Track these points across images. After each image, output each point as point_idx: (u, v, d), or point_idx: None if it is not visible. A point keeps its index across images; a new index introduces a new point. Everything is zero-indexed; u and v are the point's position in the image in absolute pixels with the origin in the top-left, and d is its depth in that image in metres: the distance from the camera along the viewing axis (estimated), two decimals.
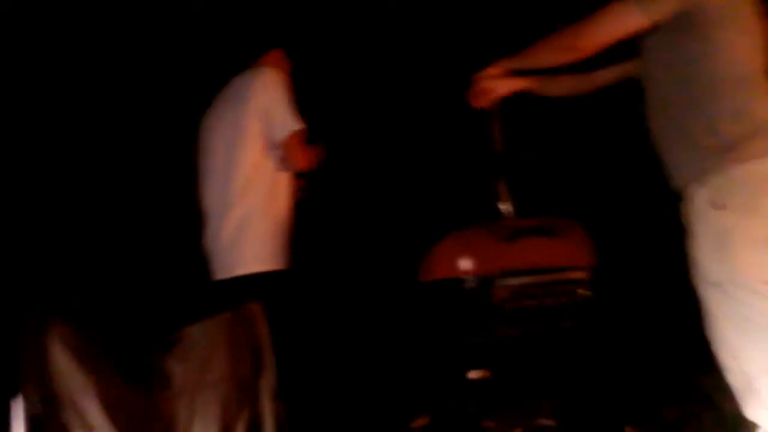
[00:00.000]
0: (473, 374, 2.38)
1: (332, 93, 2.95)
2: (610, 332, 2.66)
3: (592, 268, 2.16)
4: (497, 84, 2.14)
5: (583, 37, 1.88)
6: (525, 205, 2.22)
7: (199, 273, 2.60)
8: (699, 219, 1.79)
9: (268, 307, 2.31)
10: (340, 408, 2.82)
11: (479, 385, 2.35)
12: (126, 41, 3.13)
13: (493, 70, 2.14)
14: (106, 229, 3.08)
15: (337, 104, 3.05)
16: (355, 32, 3.16)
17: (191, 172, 2.66)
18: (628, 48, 1.94)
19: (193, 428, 2.16)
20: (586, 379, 2.44)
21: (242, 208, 2.49)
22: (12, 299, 2.02)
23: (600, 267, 2.17)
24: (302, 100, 2.56)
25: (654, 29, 1.84)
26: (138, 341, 2.22)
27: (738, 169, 1.73)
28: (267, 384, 2.26)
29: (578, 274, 2.15)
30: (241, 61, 2.62)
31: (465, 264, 2.11)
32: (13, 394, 1.95)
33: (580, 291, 2.14)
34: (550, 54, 1.98)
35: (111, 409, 2.07)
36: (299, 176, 2.66)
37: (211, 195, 2.59)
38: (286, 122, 2.48)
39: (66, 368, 2.03)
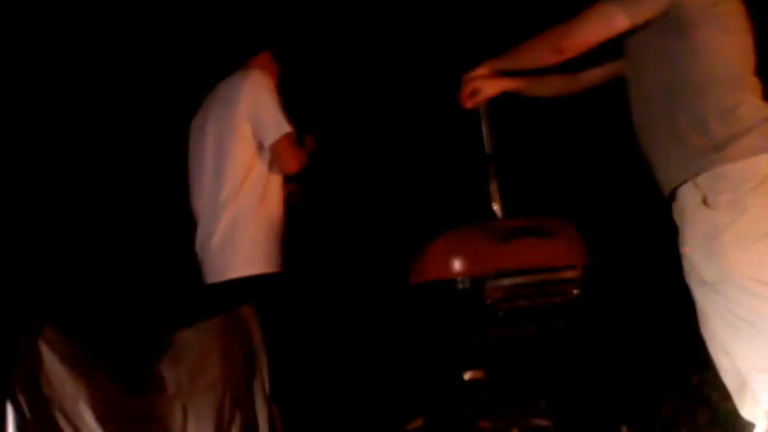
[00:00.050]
0: (467, 375, 2.38)
1: (322, 95, 2.95)
2: (603, 331, 2.66)
3: (585, 268, 2.16)
4: (485, 84, 2.14)
5: (567, 38, 1.89)
6: (516, 205, 2.22)
7: (192, 277, 2.60)
8: (688, 218, 1.80)
9: (261, 310, 2.31)
10: (334, 410, 2.81)
11: (473, 385, 2.35)
12: (116, 45, 3.13)
13: (480, 71, 2.15)
14: (98, 233, 3.07)
15: (327, 106, 3.05)
16: (343, 34, 3.15)
17: (182, 174, 2.65)
18: (616, 47, 1.95)
19: None
20: (580, 379, 2.44)
21: (233, 210, 2.49)
22: (12, 299, 2.01)
23: (592, 266, 2.17)
24: (292, 101, 2.57)
25: (638, 30, 1.85)
26: (131, 345, 2.22)
27: (727, 168, 1.73)
28: (261, 387, 2.26)
29: (571, 274, 2.14)
30: (230, 63, 2.62)
31: (457, 265, 2.10)
32: (7, 397, 1.94)
33: (573, 290, 2.14)
34: (535, 54, 1.99)
35: (104, 413, 2.06)
36: (290, 181, 2.66)
37: (202, 198, 2.58)
38: (276, 126, 2.47)
39: (59, 372, 2.03)
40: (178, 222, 2.71)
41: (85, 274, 2.86)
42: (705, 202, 1.74)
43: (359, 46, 3.22)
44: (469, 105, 2.17)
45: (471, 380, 2.36)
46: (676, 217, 1.86)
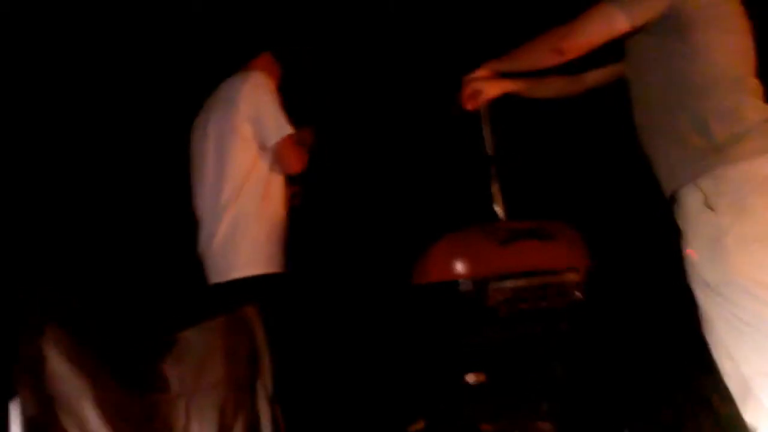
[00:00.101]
0: (469, 377, 2.38)
1: (324, 96, 2.95)
2: (606, 334, 2.66)
3: (587, 270, 2.16)
4: (486, 86, 2.15)
5: (567, 39, 1.89)
6: (518, 207, 2.22)
7: (195, 277, 2.61)
8: (691, 220, 1.79)
9: (264, 310, 2.31)
10: (337, 411, 2.82)
11: (476, 388, 2.35)
12: (117, 46, 3.14)
13: (481, 72, 2.15)
14: (100, 234, 3.08)
15: (329, 107, 3.05)
16: (344, 35, 3.16)
17: (184, 174, 2.66)
18: (617, 49, 1.95)
19: None
20: (583, 382, 2.44)
21: (235, 211, 2.49)
22: (12, 299, 2.02)
23: (594, 269, 2.17)
24: (294, 102, 2.57)
25: (639, 31, 1.85)
26: (134, 345, 2.22)
27: (729, 169, 1.73)
28: (264, 387, 2.26)
29: (573, 276, 2.14)
30: (231, 64, 2.63)
31: (460, 266, 2.10)
32: (11, 396, 1.95)
33: (576, 293, 2.14)
34: (536, 56, 1.99)
35: (108, 412, 2.06)
36: (293, 182, 2.66)
37: (204, 198, 2.59)
38: (277, 127, 2.48)
39: (62, 371, 2.03)
40: (181, 222, 2.72)
41: (88, 274, 2.87)
42: (706, 204, 1.74)
43: (360, 47, 3.22)
44: (470, 106, 2.18)
45: (473, 382, 2.36)
46: (678, 219, 1.86)
